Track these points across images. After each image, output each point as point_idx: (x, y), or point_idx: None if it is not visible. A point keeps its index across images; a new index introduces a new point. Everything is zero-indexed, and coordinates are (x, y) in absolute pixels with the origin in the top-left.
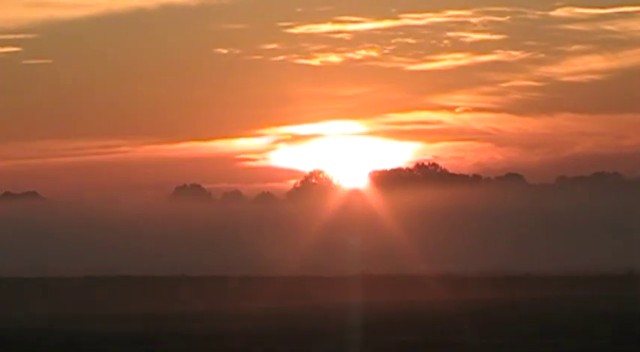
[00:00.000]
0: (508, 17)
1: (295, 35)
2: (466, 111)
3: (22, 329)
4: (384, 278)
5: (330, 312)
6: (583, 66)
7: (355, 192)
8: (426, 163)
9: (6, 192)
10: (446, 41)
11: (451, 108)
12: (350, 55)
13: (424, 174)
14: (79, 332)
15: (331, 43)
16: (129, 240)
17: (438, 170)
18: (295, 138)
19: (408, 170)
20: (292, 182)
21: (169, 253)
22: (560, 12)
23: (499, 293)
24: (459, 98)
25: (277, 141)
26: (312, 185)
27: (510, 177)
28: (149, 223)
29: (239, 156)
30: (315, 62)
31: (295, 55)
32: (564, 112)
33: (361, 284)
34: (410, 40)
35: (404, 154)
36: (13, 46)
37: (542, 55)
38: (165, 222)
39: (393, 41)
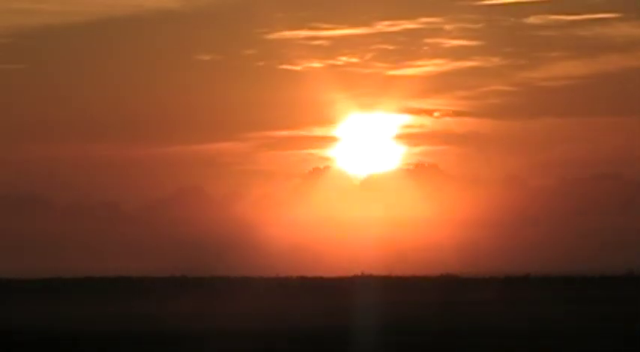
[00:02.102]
0: (482, 24)
1: (274, 41)
2: (446, 115)
3: (23, 329)
4: (384, 279)
5: (330, 313)
6: (560, 71)
7: (357, 192)
8: (426, 165)
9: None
10: (425, 47)
11: (430, 112)
12: (331, 61)
13: (426, 175)
14: (80, 332)
15: (310, 49)
16: (129, 241)
17: (438, 172)
18: (280, 142)
19: (409, 171)
20: (284, 184)
21: (169, 254)
22: (533, 19)
23: (499, 294)
24: (439, 103)
25: (262, 145)
26: (308, 186)
27: (510, 179)
28: (149, 224)
29: (224, 160)
30: (297, 68)
31: (277, 61)
32: (543, 116)
33: (360, 285)
34: (389, 46)
35: (390, 157)
36: None
37: (520, 61)
38: (165, 222)
39: (372, 47)
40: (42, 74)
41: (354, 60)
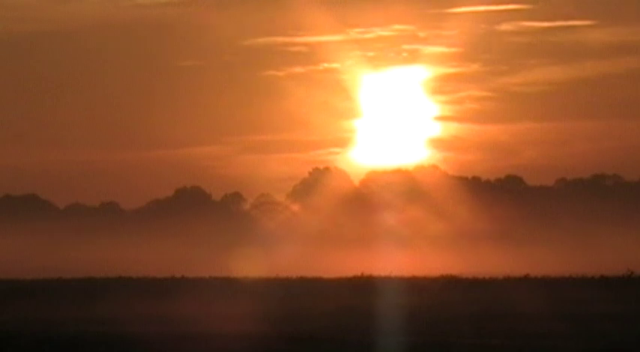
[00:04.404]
0: (456, 31)
1: (253, 47)
2: (428, 119)
3: (21, 331)
4: (384, 280)
5: (330, 314)
6: (537, 77)
7: (357, 195)
8: (425, 165)
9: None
10: (405, 54)
11: (414, 116)
12: (312, 67)
13: (426, 175)
14: (79, 333)
15: (289, 55)
16: (128, 241)
17: (438, 172)
18: (278, 144)
19: (408, 172)
20: (279, 186)
21: (169, 254)
22: (506, 26)
23: (500, 295)
24: (422, 106)
25: (247, 149)
26: (306, 188)
27: (509, 179)
28: (149, 224)
29: (209, 164)
30: (280, 73)
31: (259, 66)
32: (522, 121)
33: (361, 286)
34: (370, 53)
35: (388, 158)
36: None
37: (497, 67)
38: (165, 223)
39: (352, 54)
40: (39, 77)
41: (335, 65)
